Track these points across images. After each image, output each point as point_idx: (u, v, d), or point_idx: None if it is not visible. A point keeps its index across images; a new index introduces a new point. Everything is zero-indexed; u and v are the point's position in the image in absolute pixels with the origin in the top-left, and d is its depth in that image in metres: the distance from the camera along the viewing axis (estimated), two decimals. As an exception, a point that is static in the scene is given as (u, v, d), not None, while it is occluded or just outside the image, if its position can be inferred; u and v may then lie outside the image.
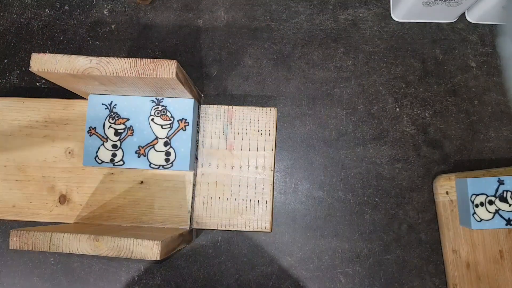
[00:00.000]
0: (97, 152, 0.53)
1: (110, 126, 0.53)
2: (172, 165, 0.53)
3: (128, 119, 0.54)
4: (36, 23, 0.63)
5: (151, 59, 0.43)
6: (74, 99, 0.58)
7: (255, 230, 0.56)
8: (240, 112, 0.57)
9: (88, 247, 0.42)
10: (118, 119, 0.54)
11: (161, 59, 0.43)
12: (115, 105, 0.54)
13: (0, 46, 0.63)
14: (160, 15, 0.63)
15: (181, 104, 0.54)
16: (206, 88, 0.61)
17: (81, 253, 0.42)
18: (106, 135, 0.53)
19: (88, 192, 0.56)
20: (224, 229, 0.56)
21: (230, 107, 0.58)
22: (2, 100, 0.58)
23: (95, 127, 0.54)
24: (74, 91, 0.54)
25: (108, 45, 0.62)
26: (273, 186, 0.56)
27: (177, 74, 0.44)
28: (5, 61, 0.62)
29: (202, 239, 0.59)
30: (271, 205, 0.56)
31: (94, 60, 0.43)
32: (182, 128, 0.54)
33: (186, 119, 0.53)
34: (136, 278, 0.58)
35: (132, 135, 0.53)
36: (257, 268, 0.58)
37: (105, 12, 0.63)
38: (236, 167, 0.57)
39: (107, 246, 0.42)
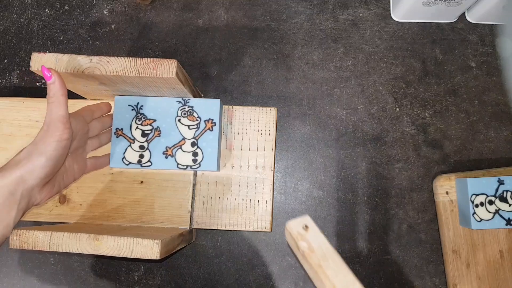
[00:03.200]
0: (124, 153, 0.53)
1: (137, 127, 0.53)
2: (199, 166, 0.53)
3: (155, 120, 0.53)
4: (36, 23, 0.63)
5: (151, 59, 0.43)
6: (74, 99, 0.57)
7: (255, 230, 0.56)
8: (240, 112, 0.57)
9: (88, 246, 0.42)
10: (145, 120, 0.53)
11: (161, 59, 0.43)
12: (142, 106, 0.53)
13: (0, 46, 0.63)
14: (160, 15, 0.63)
15: (208, 105, 0.53)
16: (206, 88, 0.61)
17: (81, 252, 0.42)
18: (133, 136, 0.53)
19: (88, 192, 0.56)
20: (224, 229, 0.56)
21: (230, 107, 0.58)
22: (2, 100, 0.58)
23: (121, 128, 0.53)
24: (74, 91, 0.54)
25: (108, 45, 0.63)
26: (273, 186, 0.56)
27: (177, 73, 0.44)
28: (5, 61, 0.62)
29: (202, 239, 0.58)
30: (271, 205, 0.56)
31: (95, 59, 0.43)
32: (209, 129, 0.53)
33: (212, 119, 0.53)
34: (136, 278, 0.57)
35: (159, 136, 0.53)
36: (257, 268, 0.58)
37: (105, 12, 0.63)
38: (236, 167, 0.57)
39: (107, 246, 0.42)
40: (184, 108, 0.53)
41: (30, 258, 0.58)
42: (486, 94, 0.60)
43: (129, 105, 0.53)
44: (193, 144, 0.53)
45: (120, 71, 0.43)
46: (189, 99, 0.53)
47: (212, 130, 0.53)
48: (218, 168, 0.54)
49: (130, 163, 0.53)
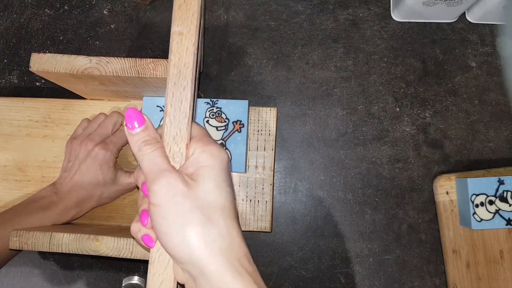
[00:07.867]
0: None
1: None
2: None
3: None
4: (36, 23, 0.63)
5: (151, 59, 0.43)
6: (74, 99, 0.57)
7: (255, 230, 0.56)
8: (240, 112, 0.57)
9: (88, 247, 0.42)
10: None
11: (161, 59, 0.43)
12: None
13: (0, 46, 0.63)
14: (160, 15, 0.63)
15: (236, 106, 0.53)
16: (206, 88, 0.61)
17: (81, 253, 0.42)
18: None
19: (88, 192, 0.56)
20: (224, 229, 0.56)
21: (230, 107, 0.57)
22: (2, 100, 0.58)
23: None
24: (74, 91, 0.54)
25: (108, 45, 0.62)
26: (273, 186, 0.56)
27: (177, 74, 0.43)
28: (5, 61, 0.62)
29: (202, 239, 0.58)
30: (271, 205, 0.56)
31: (94, 59, 0.43)
32: (237, 130, 0.53)
33: (241, 121, 0.53)
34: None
35: None
36: (257, 268, 0.58)
37: (105, 12, 0.63)
38: (236, 167, 0.56)
39: (107, 246, 0.42)
40: (213, 110, 0.53)
41: (30, 258, 0.58)
42: (486, 94, 0.60)
43: (157, 106, 0.53)
44: (221, 146, 0.53)
45: (119, 71, 0.43)
46: (218, 100, 0.53)
47: (240, 132, 0.53)
48: (246, 170, 0.54)
49: None
